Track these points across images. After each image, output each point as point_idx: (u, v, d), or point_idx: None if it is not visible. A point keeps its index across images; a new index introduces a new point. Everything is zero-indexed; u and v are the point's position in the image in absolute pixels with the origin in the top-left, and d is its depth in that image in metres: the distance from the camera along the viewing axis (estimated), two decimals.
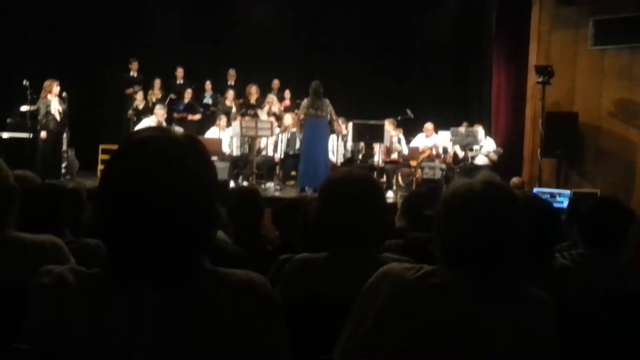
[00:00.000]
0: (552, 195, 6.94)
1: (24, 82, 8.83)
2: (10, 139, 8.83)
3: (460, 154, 9.26)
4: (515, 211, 1.44)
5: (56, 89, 8.74)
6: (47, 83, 8.74)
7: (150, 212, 1.11)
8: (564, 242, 2.92)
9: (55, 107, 8.71)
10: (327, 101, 8.57)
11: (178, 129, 9.25)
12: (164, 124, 9.46)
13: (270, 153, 9.64)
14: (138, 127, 9.42)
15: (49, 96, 8.69)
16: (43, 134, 8.63)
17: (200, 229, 1.17)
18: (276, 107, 10.65)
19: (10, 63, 10.63)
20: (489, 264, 1.42)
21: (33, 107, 8.80)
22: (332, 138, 9.49)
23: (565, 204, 6.34)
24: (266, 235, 3.32)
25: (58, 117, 8.72)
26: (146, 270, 1.13)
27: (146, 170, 1.13)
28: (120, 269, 1.14)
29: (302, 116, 8.80)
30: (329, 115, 8.61)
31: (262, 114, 10.37)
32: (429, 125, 9.90)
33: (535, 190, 7.34)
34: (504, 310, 1.40)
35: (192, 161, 1.16)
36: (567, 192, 7.10)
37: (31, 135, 8.68)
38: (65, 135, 9.12)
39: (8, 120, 9.19)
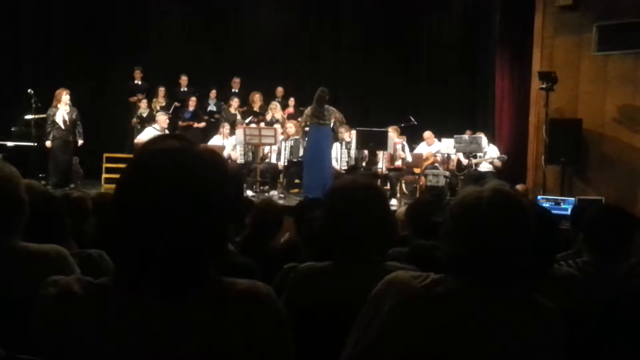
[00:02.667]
0: (557, 203, 6.92)
1: (29, 90, 8.88)
2: (16, 147, 8.88)
3: (464, 161, 9.25)
4: (524, 220, 1.44)
5: (65, 97, 8.78)
6: (57, 92, 8.81)
7: (166, 223, 1.12)
8: (569, 250, 2.91)
9: (61, 115, 8.74)
10: (332, 108, 8.58)
11: None
12: (167, 131, 9.48)
13: (273, 161, 9.65)
14: (141, 135, 9.44)
15: (59, 105, 8.74)
16: (48, 143, 8.68)
17: (215, 241, 1.18)
18: (279, 114, 10.68)
19: (15, 72, 10.70)
20: (496, 272, 1.42)
21: (39, 116, 8.85)
22: (336, 145, 9.49)
23: (569, 211, 6.32)
24: (275, 246, 3.32)
25: (63, 126, 8.75)
26: (156, 280, 1.13)
27: (162, 181, 1.13)
28: (130, 278, 1.15)
29: (303, 124, 8.86)
30: (332, 123, 8.65)
31: (268, 117, 10.49)
32: (426, 134, 9.91)
33: (539, 197, 7.32)
34: (511, 318, 1.40)
35: (209, 174, 1.17)
36: (572, 199, 7.07)
37: (36, 143, 8.72)
38: (79, 143, 9.11)
39: (13, 129, 9.24)
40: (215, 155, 1.22)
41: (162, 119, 9.50)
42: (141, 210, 1.13)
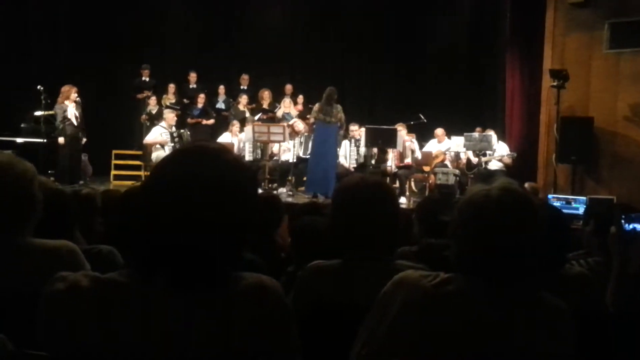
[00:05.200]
0: (568, 202, 6.87)
1: (38, 87, 8.92)
2: (25, 144, 8.92)
3: (474, 159, 9.21)
4: (532, 218, 1.43)
5: (74, 94, 8.81)
6: (65, 88, 8.82)
7: (193, 226, 1.13)
8: (580, 250, 2.88)
9: (72, 112, 8.78)
10: (338, 107, 8.63)
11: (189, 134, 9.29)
12: (174, 128, 9.50)
13: (283, 158, 9.65)
14: (150, 134, 9.46)
15: (66, 101, 8.76)
16: (61, 139, 8.70)
17: (232, 244, 1.19)
18: (292, 110, 10.73)
19: (25, 68, 10.75)
20: (505, 271, 1.41)
21: (48, 112, 8.88)
22: (345, 143, 9.49)
23: (580, 210, 6.28)
24: (280, 242, 3.31)
25: (75, 122, 8.79)
26: (168, 276, 1.14)
27: (184, 184, 1.14)
28: (141, 273, 1.15)
29: (311, 120, 8.91)
30: (338, 122, 8.69)
31: (279, 112, 10.61)
32: (439, 131, 9.88)
33: (550, 196, 7.28)
34: (521, 318, 1.39)
35: (233, 179, 1.18)
36: (583, 198, 7.02)
37: (45, 140, 8.76)
38: (83, 141, 9.17)
39: (22, 125, 9.29)
40: (238, 160, 1.24)
41: (170, 117, 9.50)
42: (161, 210, 1.14)
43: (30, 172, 1.88)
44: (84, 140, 9.15)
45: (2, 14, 10.43)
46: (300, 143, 9.56)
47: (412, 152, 9.43)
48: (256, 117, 10.61)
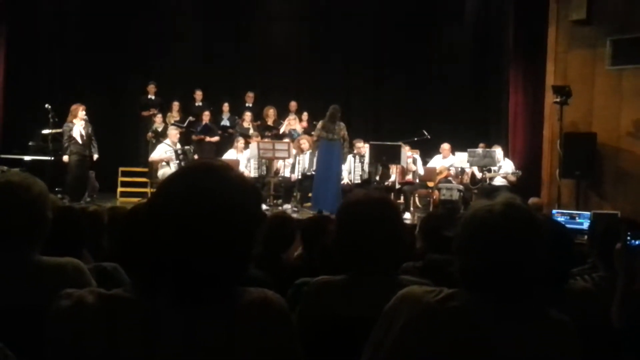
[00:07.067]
0: (572, 217, 6.84)
1: (46, 105, 8.99)
2: (33, 162, 8.98)
3: (478, 175, 9.21)
4: (535, 233, 1.43)
5: (81, 112, 8.89)
6: (73, 107, 8.91)
7: (197, 241, 1.14)
8: (585, 265, 2.88)
9: (78, 130, 8.84)
10: (341, 124, 8.66)
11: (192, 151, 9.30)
12: (178, 145, 9.55)
13: (287, 174, 9.68)
14: (155, 151, 9.51)
15: (75, 120, 8.84)
16: (65, 158, 8.76)
17: (240, 261, 1.21)
18: (298, 126, 10.76)
19: (33, 86, 10.84)
20: (509, 287, 1.41)
21: (56, 130, 8.95)
22: (350, 159, 9.52)
23: (585, 225, 6.26)
24: (287, 260, 3.33)
25: (80, 140, 8.85)
26: (172, 291, 1.15)
27: (188, 200, 1.16)
28: (145, 289, 1.17)
29: (315, 138, 8.94)
30: (341, 139, 8.72)
31: (285, 129, 10.66)
32: (445, 146, 9.89)
33: (554, 211, 7.26)
34: (525, 333, 1.39)
35: (236, 196, 1.19)
36: (587, 213, 6.99)
37: (53, 158, 8.82)
38: (94, 157, 9.19)
39: (30, 143, 9.35)
40: (242, 177, 1.25)
41: (173, 134, 9.58)
42: (166, 225, 1.15)
43: (44, 193, 1.91)
44: (96, 156, 9.16)
45: (12, 32, 10.54)
46: (305, 160, 9.59)
47: (414, 172, 9.44)
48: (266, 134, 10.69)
